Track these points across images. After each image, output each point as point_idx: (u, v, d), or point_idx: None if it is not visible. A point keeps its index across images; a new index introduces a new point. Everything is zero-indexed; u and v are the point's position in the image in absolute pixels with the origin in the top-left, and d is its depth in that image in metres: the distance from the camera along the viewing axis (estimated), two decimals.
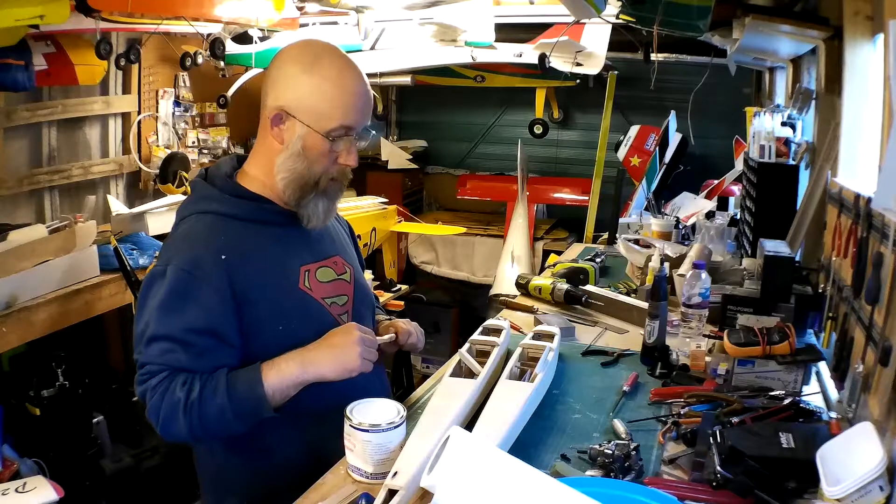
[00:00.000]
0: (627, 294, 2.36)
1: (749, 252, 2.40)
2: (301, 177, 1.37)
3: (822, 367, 1.70)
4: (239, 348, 1.34)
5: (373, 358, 1.37)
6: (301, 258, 1.43)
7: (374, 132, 1.41)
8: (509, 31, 4.16)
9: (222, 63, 3.56)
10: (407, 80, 4.42)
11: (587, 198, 4.12)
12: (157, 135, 3.68)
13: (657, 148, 3.99)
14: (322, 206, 1.41)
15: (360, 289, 1.54)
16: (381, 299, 3.45)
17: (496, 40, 4.13)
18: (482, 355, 1.64)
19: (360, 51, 4.20)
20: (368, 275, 2.55)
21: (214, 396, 1.27)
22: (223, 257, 1.33)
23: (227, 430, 1.31)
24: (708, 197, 3.52)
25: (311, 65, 1.35)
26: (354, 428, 1.25)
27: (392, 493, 1.14)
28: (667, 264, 2.07)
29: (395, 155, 4.77)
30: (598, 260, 2.69)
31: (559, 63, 3.97)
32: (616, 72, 4.11)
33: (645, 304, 1.96)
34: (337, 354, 1.34)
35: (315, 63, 1.35)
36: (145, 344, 1.30)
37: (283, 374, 1.31)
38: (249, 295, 1.34)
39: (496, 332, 1.76)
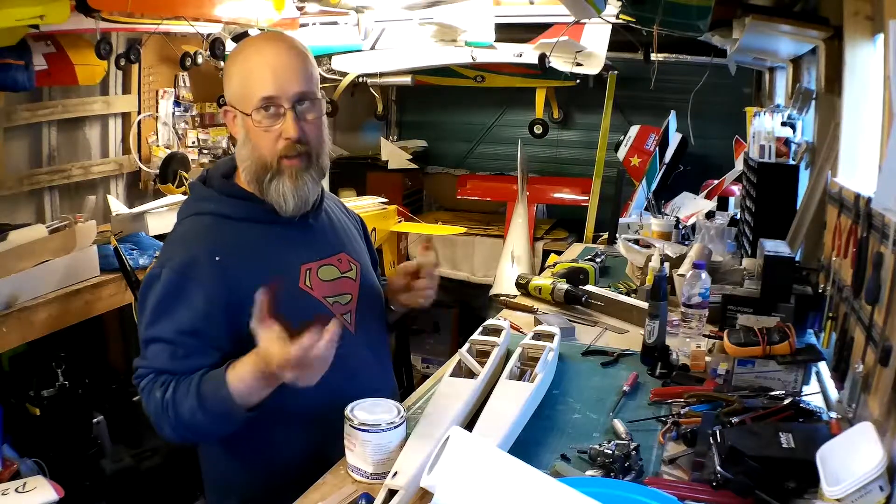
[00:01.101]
0: (627, 294, 2.36)
1: (749, 252, 2.40)
2: (253, 163, 1.37)
3: (822, 367, 1.70)
4: (229, 352, 1.31)
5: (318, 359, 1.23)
6: (301, 256, 1.43)
7: (324, 97, 1.35)
8: (509, 31, 4.16)
9: (222, 63, 3.56)
10: (407, 80, 4.42)
11: (587, 198, 4.12)
12: (157, 135, 3.68)
13: (657, 148, 3.99)
14: (286, 188, 1.36)
15: (366, 287, 1.52)
16: None
17: (496, 40, 4.12)
18: (482, 355, 1.64)
19: (360, 51, 4.20)
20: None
21: (186, 397, 1.26)
22: (217, 259, 1.32)
23: (204, 430, 1.29)
24: (708, 197, 3.52)
25: (236, 53, 1.39)
26: (354, 428, 1.25)
27: (392, 493, 1.14)
28: (667, 264, 2.07)
29: (395, 155, 4.77)
30: (598, 260, 2.69)
31: (559, 63, 3.97)
32: (616, 72, 4.11)
33: (645, 304, 1.96)
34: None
35: (239, 52, 1.39)
36: (144, 346, 1.31)
37: (241, 374, 1.25)
38: (247, 294, 1.31)
39: (496, 332, 1.76)
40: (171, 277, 1.30)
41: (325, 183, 1.55)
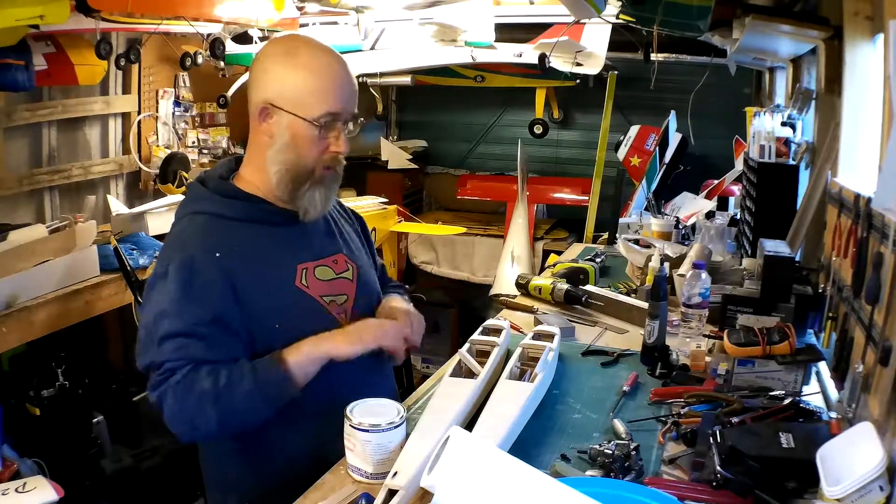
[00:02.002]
0: (627, 294, 2.35)
1: (749, 252, 2.40)
2: (293, 167, 1.38)
3: (822, 367, 1.70)
4: (246, 342, 1.34)
5: (392, 342, 1.42)
6: (298, 256, 1.44)
7: (362, 119, 1.41)
8: (509, 31, 4.16)
9: (222, 63, 3.56)
10: (407, 80, 4.42)
11: (587, 198, 4.11)
12: (157, 135, 3.69)
13: (657, 148, 3.98)
14: (319, 196, 1.41)
15: (363, 288, 1.53)
16: None
17: (496, 40, 4.13)
18: (482, 355, 1.64)
19: (360, 51, 4.20)
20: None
21: (241, 382, 1.27)
22: (217, 255, 1.33)
23: (255, 415, 1.31)
24: (708, 197, 3.52)
25: (290, 56, 1.37)
26: (354, 428, 1.25)
27: (392, 493, 1.14)
28: (667, 264, 2.07)
29: (395, 155, 4.77)
30: (598, 260, 2.69)
31: (559, 63, 3.97)
32: (616, 72, 4.11)
33: (645, 304, 1.96)
34: (352, 329, 1.38)
35: (294, 54, 1.37)
36: (157, 344, 1.29)
37: (300, 351, 1.32)
38: (246, 292, 1.34)
39: (496, 332, 1.76)
40: (181, 274, 1.30)
41: None
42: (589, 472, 1.26)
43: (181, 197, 1.50)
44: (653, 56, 3.22)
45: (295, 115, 1.35)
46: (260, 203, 1.41)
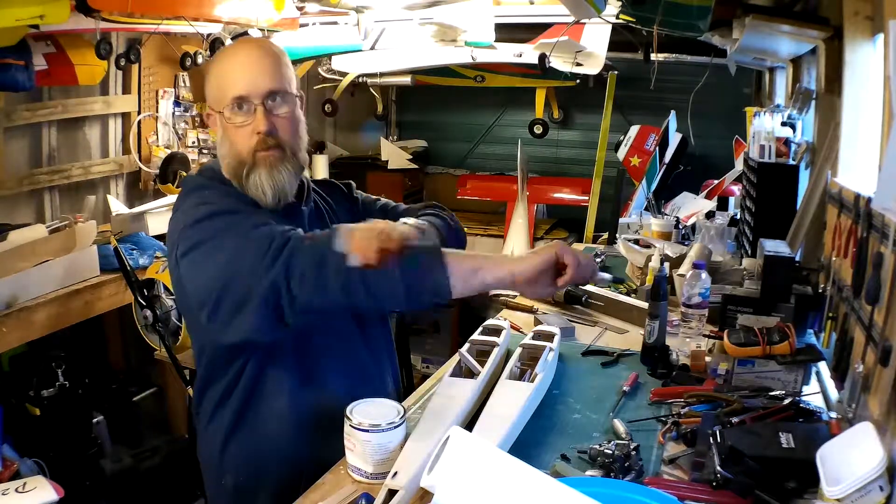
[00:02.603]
0: (627, 294, 2.35)
1: (749, 252, 2.40)
2: (232, 159, 1.40)
3: (822, 367, 1.70)
4: None
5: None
6: None
7: (298, 94, 1.40)
8: (509, 31, 4.16)
9: None
10: (407, 80, 4.42)
11: (587, 198, 4.12)
12: (157, 135, 3.69)
13: (657, 148, 3.99)
14: (262, 180, 1.38)
15: None
16: None
17: (496, 40, 4.12)
18: (482, 355, 1.64)
19: (360, 51, 4.20)
20: None
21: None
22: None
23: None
24: (708, 197, 3.52)
25: (213, 60, 1.49)
26: (354, 428, 1.25)
27: (392, 493, 1.14)
28: (667, 264, 2.07)
29: (395, 155, 4.77)
30: (598, 260, 2.69)
31: (559, 63, 3.97)
32: (616, 72, 4.11)
33: (645, 304, 1.96)
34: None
35: (216, 57, 1.47)
36: (252, 240, 1.25)
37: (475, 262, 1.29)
38: None
39: (496, 332, 1.76)
40: (227, 204, 1.34)
41: None
42: (589, 472, 1.26)
43: (182, 189, 1.50)
44: (653, 56, 3.22)
45: (214, 111, 1.41)
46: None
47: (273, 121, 1.37)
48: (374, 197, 1.77)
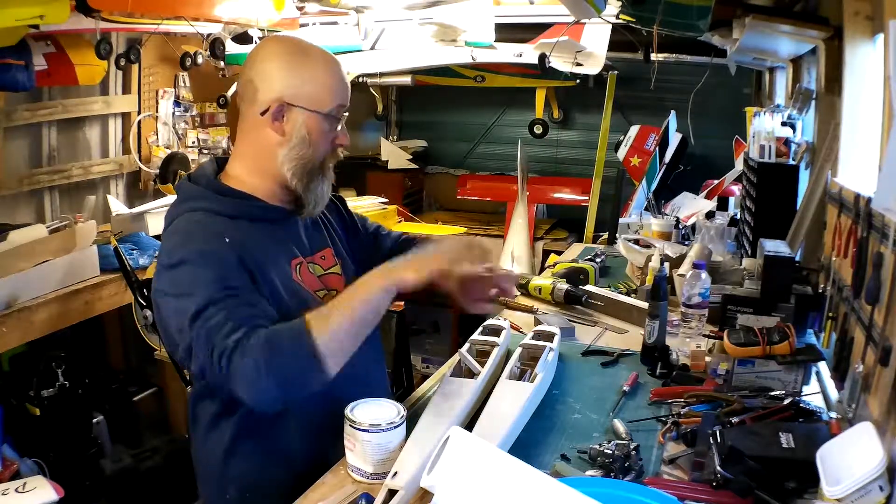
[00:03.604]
0: (627, 294, 2.35)
1: (749, 252, 2.40)
2: (308, 162, 1.40)
3: (822, 367, 1.70)
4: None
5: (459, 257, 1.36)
6: (291, 252, 1.44)
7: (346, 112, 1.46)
8: (509, 31, 4.16)
9: (222, 63, 3.56)
10: (407, 80, 4.42)
11: (587, 198, 4.12)
12: (157, 135, 3.69)
13: (657, 148, 3.99)
14: (325, 189, 1.45)
15: (351, 282, 1.53)
16: None
17: (496, 40, 4.12)
18: (482, 355, 1.64)
19: (360, 51, 4.20)
20: None
21: (339, 314, 1.26)
22: (227, 240, 1.32)
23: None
24: (708, 197, 3.52)
25: (297, 55, 1.39)
26: (354, 428, 1.25)
27: (392, 493, 1.14)
28: (667, 264, 2.07)
29: (395, 155, 4.77)
30: (598, 260, 2.69)
31: (559, 63, 3.96)
32: (616, 72, 4.11)
33: (645, 304, 1.96)
34: (413, 258, 1.34)
35: (300, 53, 1.40)
36: (192, 320, 1.23)
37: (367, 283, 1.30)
38: (255, 278, 1.33)
39: (496, 332, 1.76)
40: (199, 257, 1.28)
41: None
42: (589, 472, 1.26)
43: (176, 197, 1.48)
44: (653, 56, 3.22)
45: (312, 110, 1.37)
46: (253, 200, 1.41)
47: None
48: (368, 220, 1.78)
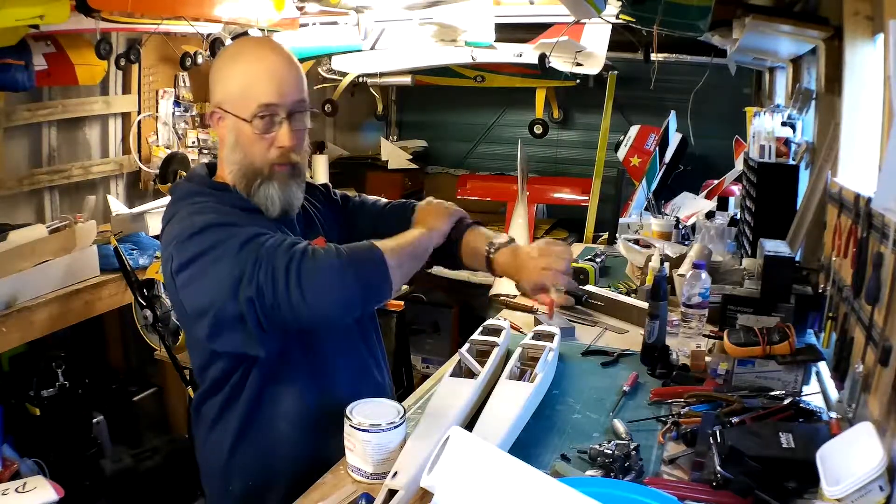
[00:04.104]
0: (627, 294, 2.35)
1: (749, 252, 2.40)
2: (242, 167, 1.37)
3: (822, 367, 1.70)
4: None
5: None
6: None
7: (316, 109, 1.39)
8: (509, 31, 4.16)
9: None
10: (407, 80, 4.42)
11: (587, 198, 4.11)
12: (157, 135, 3.69)
13: (657, 148, 3.99)
14: (274, 193, 1.37)
15: None
16: None
17: (496, 40, 4.12)
18: (482, 355, 1.64)
19: (360, 51, 4.20)
20: None
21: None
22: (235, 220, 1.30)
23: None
24: (708, 197, 3.52)
25: (232, 57, 1.37)
26: (354, 428, 1.25)
27: (392, 493, 1.14)
28: (667, 264, 2.07)
29: (395, 155, 4.77)
30: (598, 260, 2.69)
31: (559, 63, 3.97)
32: (616, 72, 4.11)
33: (645, 304, 1.96)
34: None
35: (235, 54, 1.38)
36: (238, 250, 1.21)
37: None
38: None
39: (496, 332, 1.76)
40: (221, 218, 1.28)
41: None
42: (589, 472, 1.26)
43: (172, 196, 1.47)
44: (653, 56, 3.22)
45: (234, 115, 1.34)
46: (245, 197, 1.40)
47: (294, 136, 1.35)
48: (352, 193, 1.73)
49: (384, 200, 1.70)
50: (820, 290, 1.87)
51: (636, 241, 2.75)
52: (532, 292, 1.53)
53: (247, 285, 1.18)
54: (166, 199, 3.20)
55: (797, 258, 2.16)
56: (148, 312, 2.61)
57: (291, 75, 1.35)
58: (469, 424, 1.38)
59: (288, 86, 1.34)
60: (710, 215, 2.94)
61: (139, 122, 3.57)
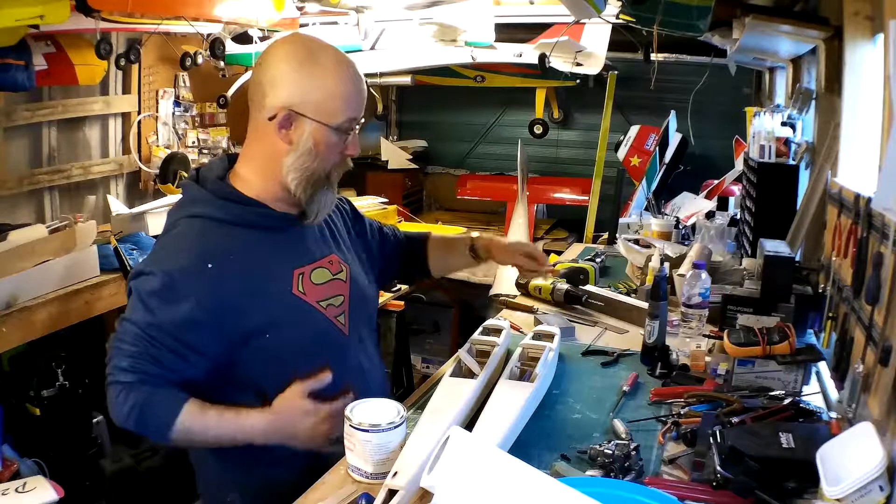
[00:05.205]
0: (627, 294, 2.36)
1: (749, 252, 2.40)
2: (314, 174, 1.37)
3: (822, 367, 1.70)
4: (217, 354, 1.32)
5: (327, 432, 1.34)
6: (294, 262, 1.42)
7: (363, 120, 1.42)
8: (509, 31, 4.16)
9: (222, 63, 3.56)
10: (407, 80, 4.42)
11: (587, 198, 4.11)
12: (157, 135, 3.69)
13: (657, 148, 3.98)
14: (329, 199, 1.44)
15: (356, 288, 1.52)
16: (381, 299, 3.45)
17: (496, 40, 4.12)
18: (482, 355, 1.64)
19: (360, 51, 4.20)
20: None
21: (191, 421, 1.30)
22: (209, 266, 1.30)
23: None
24: (708, 197, 3.52)
25: (308, 61, 1.33)
26: (354, 428, 1.25)
27: (392, 493, 1.14)
28: (667, 264, 2.07)
29: (395, 155, 4.76)
30: (598, 260, 2.69)
31: (559, 63, 3.96)
32: (616, 72, 4.11)
33: (645, 304, 1.96)
34: (289, 432, 1.33)
35: (311, 58, 1.33)
36: (121, 327, 1.33)
37: (251, 432, 1.31)
38: (237, 304, 1.32)
39: (496, 332, 1.76)
40: (163, 279, 1.29)
41: None
42: (589, 472, 1.26)
43: (180, 197, 1.47)
44: (653, 56, 3.22)
45: (320, 122, 1.33)
46: (258, 207, 1.39)
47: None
48: (376, 222, 1.81)
49: (400, 231, 1.86)
50: (820, 290, 1.87)
51: (636, 241, 2.75)
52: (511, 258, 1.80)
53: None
54: (166, 199, 3.24)
55: (797, 258, 2.16)
56: None
57: (364, 90, 1.41)
58: (469, 424, 1.38)
59: (364, 101, 1.41)
60: (710, 215, 2.94)
61: (139, 122, 3.57)
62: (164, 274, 1.29)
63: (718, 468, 1.18)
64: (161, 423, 1.30)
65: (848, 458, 1.07)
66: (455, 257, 1.88)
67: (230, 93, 3.80)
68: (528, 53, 4.07)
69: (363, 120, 1.43)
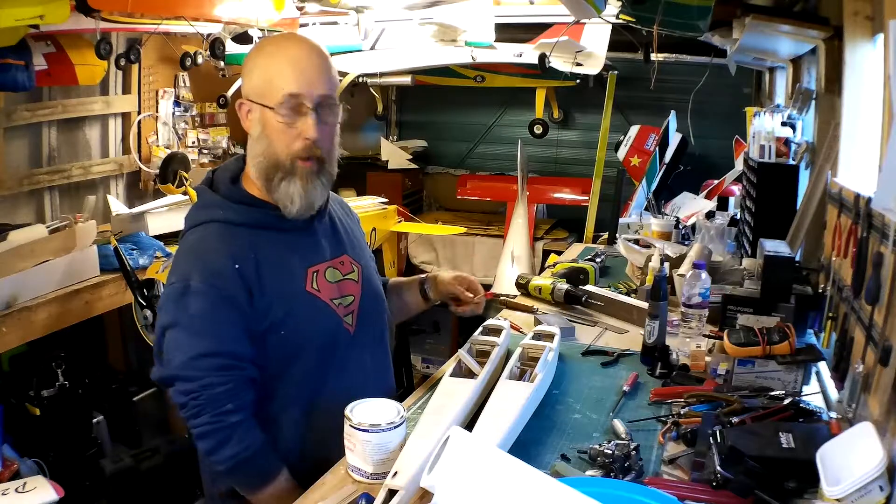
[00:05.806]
0: (627, 294, 2.35)
1: (749, 252, 2.40)
2: (266, 160, 1.36)
3: (822, 367, 1.70)
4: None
5: None
6: (308, 260, 1.43)
7: (345, 105, 1.37)
8: (509, 31, 4.16)
9: (222, 63, 3.56)
10: (407, 80, 4.42)
11: (587, 198, 4.11)
12: (157, 135, 3.69)
13: (657, 148, 3.99)
14: (295, 189, 1.36)
15: (368, 288, 1.53)
16: None
17: (496, 40, 4.13)
18: (482, 355, 1.64)
19: (360, 51, 4.20)
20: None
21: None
22: (236, 266, 1.32)
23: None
24: (708, 197, 3.52)
25: (259, 49, 1.40)
26: (354, 428, 1.25)
27: (392, 493, 1.14)
28: (667, 264, 2.07)
29: (395, 155, 4.77)
30: (598, 260, 2.69)
31: (559, 63, 3.97)
32: (616, 72, 4.11)
33: (645, 304, 1.96)
34: None
35: (262, 47, 1.40)
36: (191, 359, 1.30)
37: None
38: (260, 302, 1.34)
39: (496, 332, 1.76)
40: (204, 289, 1.30)
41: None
42: (589, 472, 1.26)
43: (181, 197, 1.49)
44: (653, 56, 3.22)
45: (260, 104, 1.34)
46: (270, 209, 1.40)
47: (321, 129, 1.34)
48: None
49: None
50: (820, 290, 1.87)
51: (636, 241, 2.75)
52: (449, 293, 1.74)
53: (165, 366, 1.34)
54: (167, 199, 3.24)
55: (797, 258, 2.16)
56: (148, 312, 2.60)
57: (318, 67, 1.35)
58: (469, 424, 1.38)
59: (315, 77, 1.33)
60: (710, 215, 2.94)
61: (139, 122, 3.57)
62: (203, 283, 1.31)
63: (718, 468, 1.18)
64: (254, 476, 1.34)
65: (848, 458, 1.07)
66: (411, 300, 1.80)
67: (230, 93, 3.80)
68: (528, 53, 4.07)
69: (342, 105, 1.40)
